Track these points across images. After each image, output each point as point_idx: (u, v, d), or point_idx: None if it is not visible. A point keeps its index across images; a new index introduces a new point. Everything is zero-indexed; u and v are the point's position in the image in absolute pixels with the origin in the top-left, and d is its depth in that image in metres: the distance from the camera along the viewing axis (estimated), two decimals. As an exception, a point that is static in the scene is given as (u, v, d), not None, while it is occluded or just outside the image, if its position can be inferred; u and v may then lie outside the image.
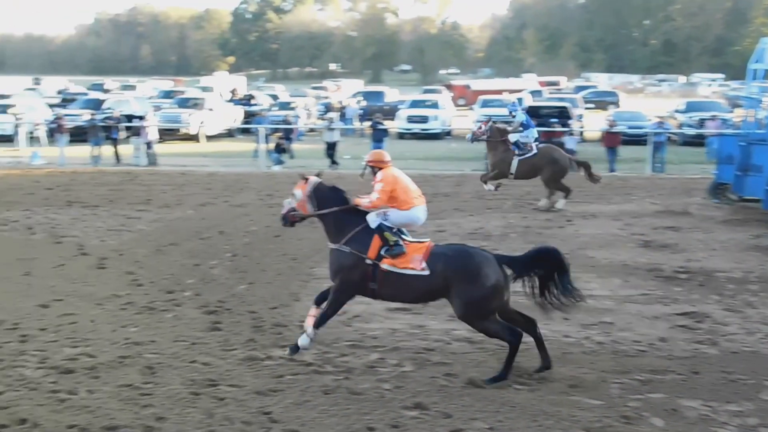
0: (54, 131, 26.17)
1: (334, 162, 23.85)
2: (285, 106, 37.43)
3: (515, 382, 7.10)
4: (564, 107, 30.01)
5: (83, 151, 24.68)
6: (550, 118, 26.26)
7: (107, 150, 24.82)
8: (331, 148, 24.51)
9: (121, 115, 28.05)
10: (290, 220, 8.00)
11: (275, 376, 7.31)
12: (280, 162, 24.10)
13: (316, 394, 6.88)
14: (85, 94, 43.07)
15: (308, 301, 9.70)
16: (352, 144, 27.56)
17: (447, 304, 7.47)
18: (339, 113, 34.45)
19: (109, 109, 30.56)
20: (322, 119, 31.33)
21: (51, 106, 34.96)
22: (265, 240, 13.41)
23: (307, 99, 42.96)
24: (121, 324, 8.80)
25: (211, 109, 34.00)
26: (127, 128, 27.50)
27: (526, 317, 7.41)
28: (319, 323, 7.67)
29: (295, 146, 26.10)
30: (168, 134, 29.72)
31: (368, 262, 7.37)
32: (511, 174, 16.34)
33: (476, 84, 57.48)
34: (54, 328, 8.59)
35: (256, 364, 7.58)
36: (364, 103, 38.72)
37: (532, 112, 21.21)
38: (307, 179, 7.88)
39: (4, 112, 31.17)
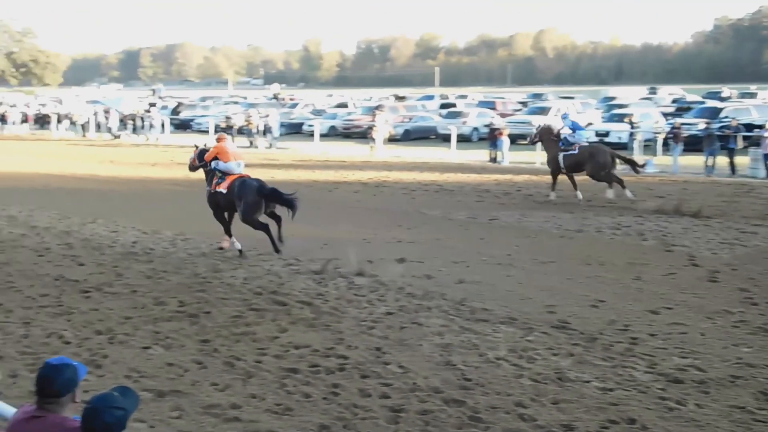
0: (668, 140, 26.53)
1: None
2: None
3: None
4: None
5: (697, 160, 24.45)
6: None
7: (722, 160, 24.19)
8: None
9: (739, 124, 27.04)
10: (191, 167, 13.83)
11: None
12: None
13: None
14: (701, 102, 42.69)
15: None
16: None
17: None
18: None
19: (726, 118, 29.72)
20: None
21: (665, 114, 35.50)
22: None
23: None
24: (732, 342, 8.45)
25: None
26: (745, 138, 26.36)
27: (276, 216, 12.51)
28: (228, 234, 12.94)
29: None
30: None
31: (212, 191, 12.82)
32: (563, 168, 18.43)
33: None
34: (663, 336, 8.66)
35: None
36: None
37: None
38: (197, 147, 13.86)
39: (621, 120, 32.75)
